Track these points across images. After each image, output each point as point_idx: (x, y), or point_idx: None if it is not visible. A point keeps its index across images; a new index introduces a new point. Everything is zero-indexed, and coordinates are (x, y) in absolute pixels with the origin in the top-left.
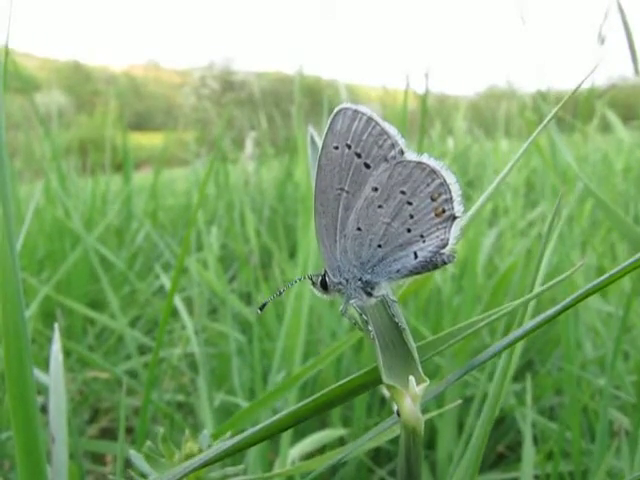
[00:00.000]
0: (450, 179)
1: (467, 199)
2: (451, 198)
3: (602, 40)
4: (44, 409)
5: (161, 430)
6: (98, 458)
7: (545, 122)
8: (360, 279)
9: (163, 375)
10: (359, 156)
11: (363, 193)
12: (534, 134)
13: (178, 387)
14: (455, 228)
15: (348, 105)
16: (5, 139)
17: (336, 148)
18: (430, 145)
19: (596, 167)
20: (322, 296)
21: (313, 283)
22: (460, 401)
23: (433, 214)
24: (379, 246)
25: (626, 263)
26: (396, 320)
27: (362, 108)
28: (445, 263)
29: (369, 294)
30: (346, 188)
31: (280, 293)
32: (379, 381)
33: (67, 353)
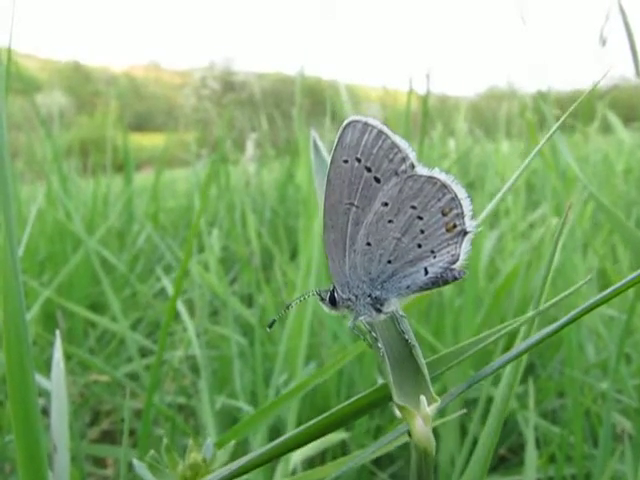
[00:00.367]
0: (461, 194)
1: None
2: (462, 213)
3: (603, 41)
4: (45, 411)
5: (164, 440)
6: (99, 461)
7: (551, 132)
8: (370, 295)
9: (164, 377)
10: (369, 170)
11: (373, 208)
12: (540, 145)
13: (180, 390)
14: (466, 243)
15: (358, 118)
16: (7, 140)
17: (345, 162)
18: (431, 146)
19: (597, 168)
20: (330, 312)
21: (322, 299)
22: (464, 411)
23: (444, 229)
24: (389, 262)
25: (629, 278)
26: (406, 337)
27: (372, 121)
28: (456, 279)
29: (378, 310)
30: (356, 203)
31: (287, 308)
32: (388, 399)
33: (68, 356)
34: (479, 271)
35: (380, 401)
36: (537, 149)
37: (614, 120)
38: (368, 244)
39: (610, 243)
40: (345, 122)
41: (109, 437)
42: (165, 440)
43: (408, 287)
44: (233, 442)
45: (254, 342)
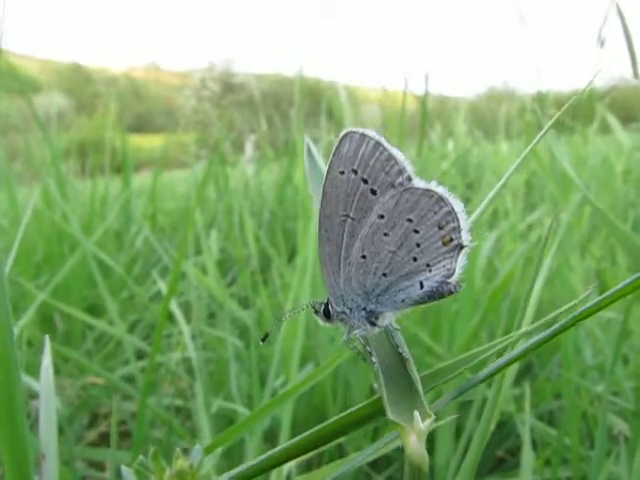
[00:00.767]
0: (458, 207)
1: (467, 201)
2: (459, 227)
3: (602, 42)
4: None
5: (151, 446)
6: (96, 464)
7: (544, 131)
8: (364, 309)
9: (161, 380)
10: (365, 182)
11: (369, 220)
12: (532, 144)
13: (176, 392)
14: (462, 257)
15: (355, 129)
16: (4, 141)
17: (342, 173)
18: (430, 147)
19: (596, 170)
20: (325, 325)
21: (316, 312)
22: (456, 416)
23: (440, 243)
24: (384, 275)
25: (626, 282)
26: (400, 350)
27: (370, 132)
28: (452, 293)
29: (373, 324)
30: (351, 214)
31: (280, 320)
32: (382, 413)
33: (65, 359)
34: (476, 273)
35: (375, 414)
36: (529, 148)
37: (613, 121)
38: (363, 257)
39: (609, 244)
40: (342, 133)
41: (107, 439)
42: (152, 447)
43: (403, 301)
44: (220, 449)
45: (250, 344)
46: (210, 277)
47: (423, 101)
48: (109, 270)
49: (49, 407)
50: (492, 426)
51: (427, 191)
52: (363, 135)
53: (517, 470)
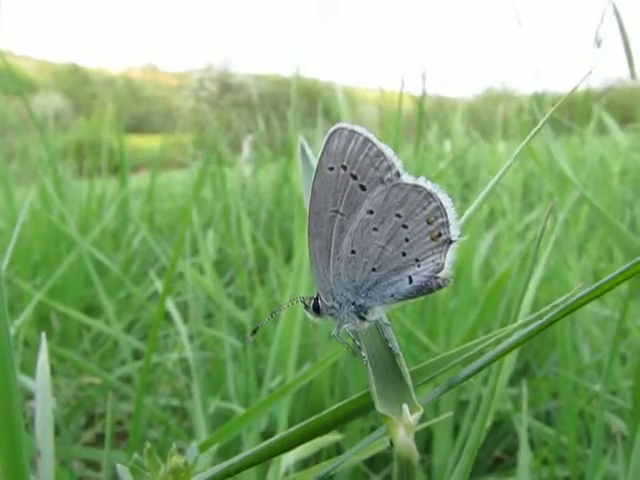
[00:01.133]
0: (446, 202)
1: (464, 201)
2: (447, 222)
3: (599, 43)
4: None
5: (147, 444)
6: (93, 464)
7: (538, 127)
8: (354, 303)
9: (159, 380)
10: (355, 178)
11: (358, 215)
12: (526, 140)
13: (173, 392)
14: (451, 252)
15: (344, 125)
16: (1, 142)
17: (331, 169)
18: (427, 147)
19: (593, 170)
20: (314, 320)
21: (306, 306)
22: (450, 414)
23: (429, 238)
24: (373, 270)
25: (620, 270)
26: (390, 345)
27: (358, 128)
28: (440, 287)
29: (362, 318)
30: (341, 210)
31: (272, 315)
32: (372, 407)
33: (62, 359)
34: (473, 272)
35: (366, 408)
36: (525, 141)
37: (610, 122)
38: (353, 252)
39: (606, 244)
40: (331, 129)
41: (104, 440)
42: (148, 444)
43: (392, 295)
44: (217, 447)
45: (247, 343)
46: (207, 277)
47: (420, 101)
48: (106, 270)
49: (45, 404)
50: (488, 424)
51: (416, 186)
52: (352, 131)
53: (515, 469)
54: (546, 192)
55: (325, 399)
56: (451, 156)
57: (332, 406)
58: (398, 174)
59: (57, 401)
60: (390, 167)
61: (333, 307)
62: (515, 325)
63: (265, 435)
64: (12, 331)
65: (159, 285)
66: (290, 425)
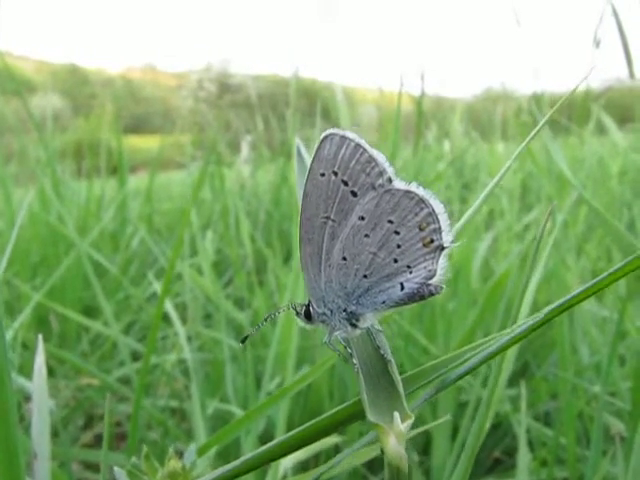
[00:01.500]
0: (439, 208)
1: (463, 202)
2: (440, 228)
3: (597, 43)
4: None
5: (144, 447)
6: (92, 465)
7: (537, 128)
8: (345, 310)
9: (157, 381)
10: (346, 184)
11: (349, 222)
12: (524, 142)
13: (172, 393)
14: (443, 259)
15: (335, 131)
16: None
17: (322, 175)
18: (426, 148)
19: (592, 170)
20: (306, 326)
21: (297, 313)
22: (447, 417)
23: (421, 244)
24: (365, 276)
25: (617, 266)
26: (381, 352)
27: (350, 134)
28: (432, 294)
29: (354, 325)
30: (332, 216)
31: (265, 320)
32: (363, 415)
33: (61, 360)
34: (472, 273)
35: (357, 416)
36: (525, 143)
37: (608, 122)
38: (344, 258)
39: (604, 244)
40: (322, 135)
41: (103, 441)
42: (145, 448)
43: (384, 302)
44: (216, 450)
45: (245, 345)
46: (206, 278)
47: (419, 101)
48: (105, 271)
49: (42, 406)
50: (487, 426)
51: (408, 193)
52: (343, 137)
53: (514, 470)
54: (545, 193)
55: (324, 402)
56: (450, 156)
57: (331, 409)
58: (390, 180)
59: (56, 402)
60: (382, 173)
61: (324, 314)
62: (514, 327)
63: (264, 438)
64: (10, 333)
65: (158, 286)
66: (289, 428)
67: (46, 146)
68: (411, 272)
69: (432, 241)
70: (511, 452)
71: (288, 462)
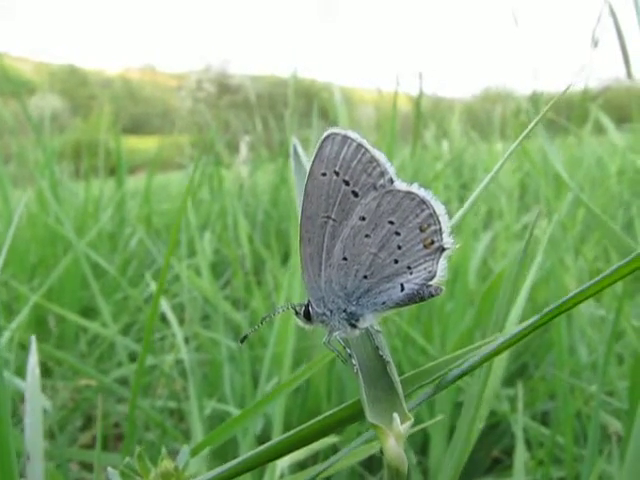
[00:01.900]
0: (440, 210)
1: (462, 202)
2: (440, 229)
3: (595, 43)
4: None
5: (138, 448)
6: (90, 466)
7: (531, 126)
8: (344, 310)
9: (155, 382)
10: (347, 184)
11: (350, 222)
12: (517, 140)
13: (170, 394)
14: (443, 260)
15: (337, 130)
16: None
17: (324, 175)
18: (425, 148)
19: (590, 170)
20: (305, 327)
21: (296, 313)
22: (441, 417)
23: (421, 245)
24: (365, 277)
25: (614, 267)
26: (380, 353)
27: (352, 134)
28: (432, 295)
29: (353, 326)
30: (333, 216)
31: (263, 320)
32: (362, 415)
33: (59, 361)
34: (470, 273)
35: (356, 417)
36: (513, 146)
37: (606, 122)
38: (344, 259)
39: (603, 244)
40: (324, 134)
41: (101, 442)
42: (138, 448)
43: (384, 303)
44: (212, 450)
45: (243, 346)
46: (204, 279)
47: (417, 102)
48: (103, 272)
49: (35, 407)
50: (480, 424)
51: (409, 193)
52: (345, 137)
53: (513, 470)
54: (543, 193)
55: (322, 402)
56: (449, 156)
57: (329, 409)
58: (391, 180)
59: (54, 403)
60: (383, 173)
61: (324, 314)
62: (509, 330)
63: (261, 439)
64: (8, 334)
65: (153, 287)
66: (286, 428)
67: (44, 147)
68: (411, 273)
69: (433, 242)
70: (510, 451)
71: (285, 462)
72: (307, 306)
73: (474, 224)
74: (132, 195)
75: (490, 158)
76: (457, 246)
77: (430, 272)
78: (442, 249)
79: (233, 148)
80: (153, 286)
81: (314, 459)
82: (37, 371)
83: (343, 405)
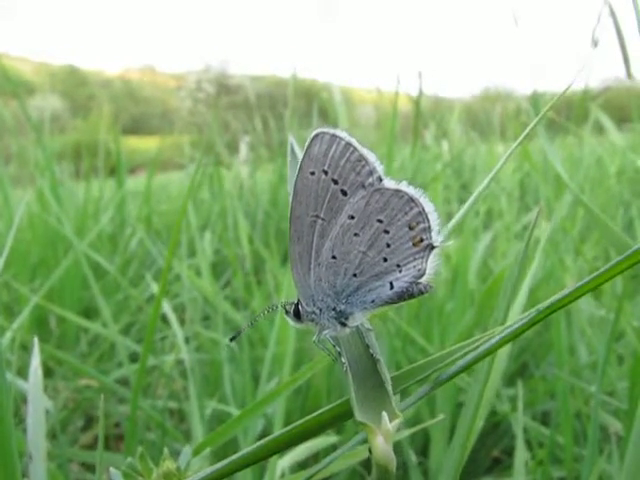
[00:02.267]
0: (428, 207)
1: (462, 202)
2: (429, 227)
3: (595, 43)
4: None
5: (140, 449)
6: (91, 466)
7: (531, 126)
8: (334, 309)
9: (156, 382)
10: (336, 182)
11: (339, 220)
12: (517, 142)
13: (170, 394)
14: (433, 258)
15: (325, 129)
16: None
17: (312, 174)
18: (424, 148)
19: (590, 170)
20: (295, 325)
21: (286, 312)
22: (441, 417)
23: (410, 243)
24: (354, 275)
25: (613, 262)
26: (371, 351)
27: (340, 133)
28: (422, 293)
29: (343, 324)
30: (322, 215)
31: (252, 323)
32: (352, 414)
33: (59, 361)
34: (470, 273)
35: (345, 416)
36: (513, 147)
37: (606, 122)
38: (333, 257)
39: (603, 243)
40: (312, 133)
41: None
42: (140, 449)
43: (373, 301)
44: (212, 450)
45: (243, 346)
46: (204, 279)
47: (417, 101)
48: (103, 272)
49: (37, 408)
50: (480, 422)
51: (397, 192)
52: (334, 136)
53: (513, 470)
54: (543, 193)
55: (322, 402)
56: (448, 157)
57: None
58: (380, 179)
59: (55, 403)
60: (372, 172)
61: (314, 313)
62: (505, 326)
63: (262, 437)
64: (9, 334)
65: (156, 287)
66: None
67: (44, 147)
68: (401, 271)
69: (422, 240)
70: (510, 451)
71: (286, 462)
72: (297, 305)
73: (474, 224)
74: (132, 195)
75: (490, 158)
76: (447, 244)
77: (419, 270)
78: (431, 247)
79: (233, 148)
80: (153, 286)
81: (315, 459)
82: (39, 373)
83: (344, 399)
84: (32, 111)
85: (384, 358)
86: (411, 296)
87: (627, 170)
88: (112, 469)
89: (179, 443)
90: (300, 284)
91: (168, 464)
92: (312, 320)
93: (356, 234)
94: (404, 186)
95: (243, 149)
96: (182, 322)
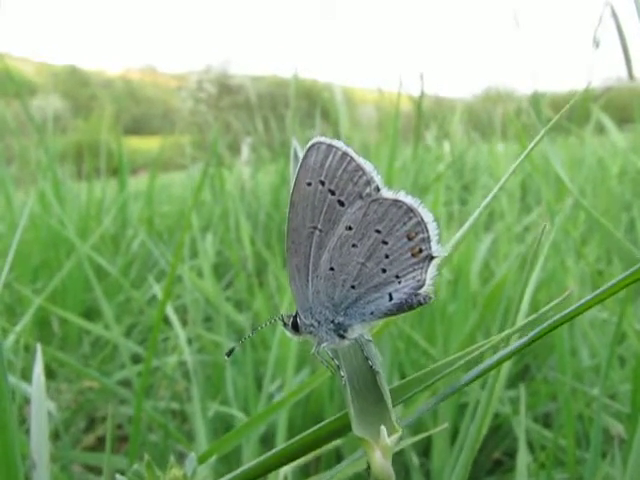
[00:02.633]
0: (427, 217)
1: (463, 203)
2: (428, 237)
3: (597, 44)
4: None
5: (146, 456)
6: (94, 468)
7: (538, 138)
8: (332, 321)
9: (158, 384)
10: (333, 193)
11: (337, 232)
12: (526, 151)
13: (173, 396)
14: (432, 269)
15: (322, 139)
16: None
17: (309, 184)
18: (426, 148)
19: (591, 171)
20: (293, 338)
21: (284, 324)
22: (445, 425)
23: (409, 254)
24: (353, 287)
25: (618, 278)
26: (370, 363)
27: (337, 143)
28: (421, 304)
29: (342, 337)
30: (319, 226)
31: (249, 336)
32: (350, 428)
33: (62, 363)
34: (472, 274)
35: (344, 430)
36: (526, 152)
37: (608, 122)
38: (331, 269)
39: (604, 246)
40: (309, 144)
41: (104, 444)
42: (148, 452)
43: (372, 313)
44: (214, 457)
45: (247, 348)
46: (206, 280)
47: (418, 102)
48: (106, 274)
49: (40, 413)
50: (484, 429)
51: (396, 202)
52: (330, 146)
53: (514, 472)
54: (545, 194)
55: (325, 405)
56: (450, 157)
57: (332, 412)
58: (377, 189)
59: (57, 405)
60: (369, 182)
61: (312, 325)
62: (511, 330)
63: (264, 441)
64: (12, 337)
65: (158, 289)
66: (290, 432)
67: (46, 148)
68: (400, 282)
69: (421, 251)
70: (512, 453)
71: (288, 466)
72: (295, 317)
73: (475, 225)
74: (134, 196)
75: (491, 159)
76: (446, 255)
77: (419, 281)
78: (430, 257)
79: (234, 149)
80: (156, 288)
81: (317, 461)
82: (42, 379)
83: (344, 412)
84: (34, 111)
85: (386, 360)
86: (410, 307)
87: (629, 171)
88: (118, 476)
89: (181, 445)
90: (298, 296)
91: (175, 472)
92: (310, 332)
93: (354, 245)
94: (402, 196)
95: (245, 150)
96: (184, 323)
